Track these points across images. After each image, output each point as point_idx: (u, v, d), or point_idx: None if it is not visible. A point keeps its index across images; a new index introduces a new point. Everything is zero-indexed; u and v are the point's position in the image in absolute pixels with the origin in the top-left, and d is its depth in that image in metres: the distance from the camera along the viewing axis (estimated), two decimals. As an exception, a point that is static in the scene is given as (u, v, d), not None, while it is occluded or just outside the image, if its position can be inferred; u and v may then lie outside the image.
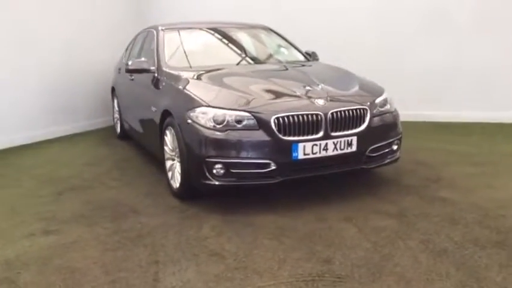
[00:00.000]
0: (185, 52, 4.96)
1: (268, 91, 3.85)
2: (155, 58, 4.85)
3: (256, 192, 4.01)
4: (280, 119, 3.49)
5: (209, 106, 3.61)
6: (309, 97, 3.71)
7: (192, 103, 3.71)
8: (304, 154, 3.54)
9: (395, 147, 4.08)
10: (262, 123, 3.49)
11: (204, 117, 3.58)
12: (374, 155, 3.88)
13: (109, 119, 7.60)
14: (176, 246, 3.08)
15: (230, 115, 3.54)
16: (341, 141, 3.64)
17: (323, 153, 3.60)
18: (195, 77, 4.19)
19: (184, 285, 2.58)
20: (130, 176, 4.83)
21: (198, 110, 3.63)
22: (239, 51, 5.21)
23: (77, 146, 6.49)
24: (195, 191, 3.82)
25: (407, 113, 7.13)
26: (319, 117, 3.56)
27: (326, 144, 3.59)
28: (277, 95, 3.79)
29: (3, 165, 5.39)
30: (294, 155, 3.52)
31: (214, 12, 8.12)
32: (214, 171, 3.54)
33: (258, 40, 5.52)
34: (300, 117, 3.52)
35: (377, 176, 4.45)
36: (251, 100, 3.66)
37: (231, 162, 3.53)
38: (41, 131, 6.80)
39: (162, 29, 5.28)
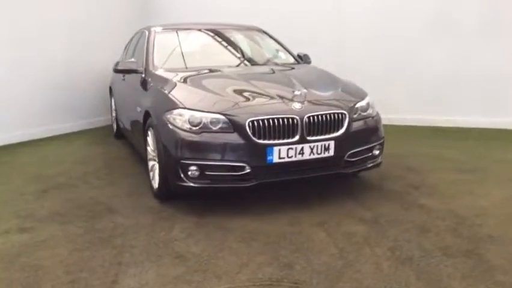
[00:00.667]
0: (174, 53, 4.99)
1: (247, 94, 3.84)
2: (144, 59, 4.88)
3: (235, 194, 4.00)
4: (255, 122, 3.48)
5: (185, 108, 3.63)
6: (287, 101, 3.70)
7: (170, 105, 3.73)
8: (280, 158, 3.53)
9: (376, 152, 4.04)
10: (236, 126, 3.49)
11: (180, 119, 3.59)
12: (353, 159, 3.85)
13: (109, 118, 7.68)
14: (144, 248, 3.10)
15: (206, 117, 3.55)
16: (317, 146, 3.62)
17: (299, 157, 3.59)
18: (178, 79, 4.20)
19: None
20: (116, 176, 4.86)
21: (175, 111, 3.65)
22: (228, 53, 5.22)
23: (73, 144, 6.56)
24: (172, 192, 3.83)
25: (408, 117, 7.15)
26: (295, 121, 3.54)
27: (302, 148, 3.57)
28: (255, 98, 3.78)
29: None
30: (268, 158, 3.51)
31: (218, 12, 8.14)
32: (189, 173, 3.55)
33: (250, 42, 5.52)
34: (275, 121, 3.51)
35: (361, 181, 4.42)
36: (227, 103, 3.67)
37: (206, 164, 3.53)
38: (39, 128, 6.89)
39: (154, 30, 5.32)
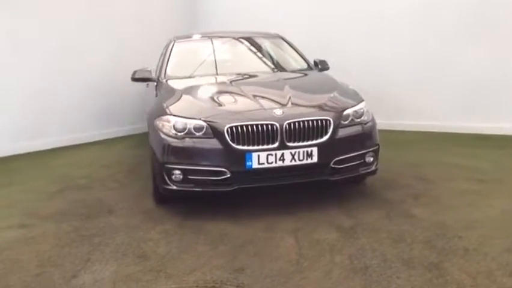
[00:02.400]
0: (186, 62, 5.20)
1: (232, 101, 3.95)
2: (159, 67, 5.13)
3: (227, 198, 4.08)
4: (234, 128, 3.56)
5: (172, 115, 3.79)
6: (269, 107, 3.73)
7: (160, 112, 3.92)
8: (259, 163, 3.58)
9: (369, 159, 3.95)
10: (216, 132, 3.59)
11: (167, 125, 3.76)
12: (340, 166, 3.80)
13: (150, 124, 8.03)
14: (116, 247, 3.27)
15: (190, 124, 3.68)
16: (299, 152, 3.62)
17: (280, 163, 3.61)
18: (178, 87, 4.38)
19: (94, 283, 2.76)
20: (133, 178, 5.12)
21: (164, 118, 3.82)
22: (239, 61, 5.32)
23: (109, 149, 6.96)
24: (163, 195, 3.99)
25: (447, 124, 6.79)
26: (274, 127, 3.57)
27: (283, 154, 3.60)
28: (239, 105, 3.87)
29: (34, 165, 5.96)
30: (248, 164, 3.57)
31: (258, 20, 8.25)
32: (173, 176, 3.69)
33: (265, 49, 5.59)
34: (254, 127, 3.57)
35: (361, 188, 4.33)
36: (211, 110, 3.79)
37: (188, 168, 3.66)
38: (83, 134, 7.38)
39: (174, 39, 5.56)
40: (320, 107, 3.87)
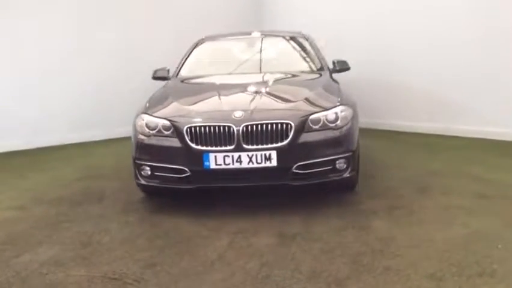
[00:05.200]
0: (201, 62, 5.39)
1: (204, 103, 4.10)
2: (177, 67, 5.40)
3: (208, 197, 4.21)
4: (193, 129, 3.67)
5: (146, 113, 4.01)
6: (230, 110, 3.77)
7: (141, 109, 4.15)
8: (216, 164, 3.65)
9: (341, 165, 3.81)
10: (178, 132, 3.74)
11: (141, 123, 3.99)
12: (304, 172, 3.72)
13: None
14: (73, 233, 3.57)
15: (159, 123, 3.87)
16: (256, 155, 3.63)
17: (237, 165, 3.64)
18: (174, 86, 4.61)
19: (27, 264, 3.04)
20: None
21: (141, 116, 4.05)
22: (251, 61, 5.37)
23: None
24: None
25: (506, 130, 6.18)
26: (231, 129, 3.62)
27: (240, 156, 3.63)
28: (206, 106, 4.02)
29: (76, 154, 6.59)
30: (205, 164, 3.66)
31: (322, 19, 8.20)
32: (143, 172, 3.92)
33: (282, 49, 5.58)
34: (212, 128, 3.64)
35: (346, 196, 4.16)
36: (179, 110, 3.94)
37: (154, 165, 3.86)
38: (121, 129, 7.73)
39: (202, 39, 5.79)
40: (287, 111, 3.81)
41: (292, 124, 3.64)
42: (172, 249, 3.21)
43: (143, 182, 3.94)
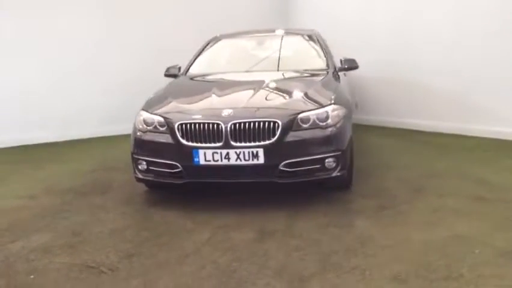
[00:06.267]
0: (212, 60, 5.54)
1: (198, 100, 4.21)
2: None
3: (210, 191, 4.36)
4: (184, 126, 3.80)
5: (144, 110, 4.17)
6: (221, 107, 3.87)
7: (142, 106, 4.32)
8: (206, 160, 3.76)
9: (330, 164, 3.83)
10: (170, 128, 3.87)
11: (139, 119, 4.15)
12: (292, 170, 3.78)
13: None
14: (69, 223, 3.77)
15: (155, 119, 4.01)
16: (244, 152, 3.71)
17: (225, 162, 3.74)
18: (175, 85, 4.77)
19: (16, 251, 3.23)
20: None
21: (140, 112, 4.22)
22: (258, 59, 5.44)
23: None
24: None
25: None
26: (220, 126, 3.72)
27: (228, 153, 3.72)
28: (199, 104, 4.14)
29: (102, 147, 6.88)
30: (195, 160, 3.78)
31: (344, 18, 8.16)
32: (139, 166, 4.08)
33: (293, 47, 5.62)
34: (201, 125, 3.76)
35: (336, 194, 4.17)
36: (173, 107, 4.07)
37: (149, 160, 4.01)
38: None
39: (216, 37, 5.91)
40: (276, 109, 3.86)
41: (280, 122, 3.70)
42: (154, 241, 3.35)
43: (140, 176, 4.10)
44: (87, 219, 3.85)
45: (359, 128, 7.72)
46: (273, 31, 5.91)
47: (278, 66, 5.17)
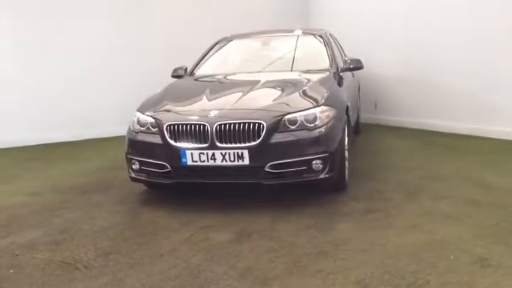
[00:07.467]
0: (217, 61, 5.59)
1: (189, 102, 4.27)
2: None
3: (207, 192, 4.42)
4: (172, 127, 3.87)
5: (138, 111, 4.27)
6: (208, 109, 3.91)
7: (137, 107, 4.42)
8: (193, 161, 3.82)
9: (318, 166, 3.80)
10: (160, 129, 3.95)
11: (134, 120, 4.25)
12: (277, 171, 3.78)
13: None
14: (63, 220, 3.90)
15: (148, 120, 4.11)
16: (229, 153, 3.74)
17: (212, 163, 3.79)
18: (173, 86, 4.85)
19: (5, 246, 3.37)
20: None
21: (135, 113, 4.32)
22: (263, 60, 5.46)
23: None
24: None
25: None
26: (206, 128, 3.76)
27: (214, 154, 3.76)
28: (189, 105, 4.21)
29: (115, 147, 6.87)
30: (183, 160, 3.84)
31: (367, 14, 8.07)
32: (133, 166, 4.19)
33: (299, 48, 5.59)
34: (188, 126, 3.81)
35: (327, 197, 4.14)
36: (164, 108, 4.13)
37: (141, 160, 4.11)
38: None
39: (224, 38, 5.97)
40: (261, 111, 3.85)
41: (264, 124, 3.70)
42: (134, 240, 3.43)
43: (133, 175, 4.20)
44: (80, 216, 3.98)
45: (377, 128, 7.64)
46: (279, 32, 5.91)
47: (278, 66, 5.17)
